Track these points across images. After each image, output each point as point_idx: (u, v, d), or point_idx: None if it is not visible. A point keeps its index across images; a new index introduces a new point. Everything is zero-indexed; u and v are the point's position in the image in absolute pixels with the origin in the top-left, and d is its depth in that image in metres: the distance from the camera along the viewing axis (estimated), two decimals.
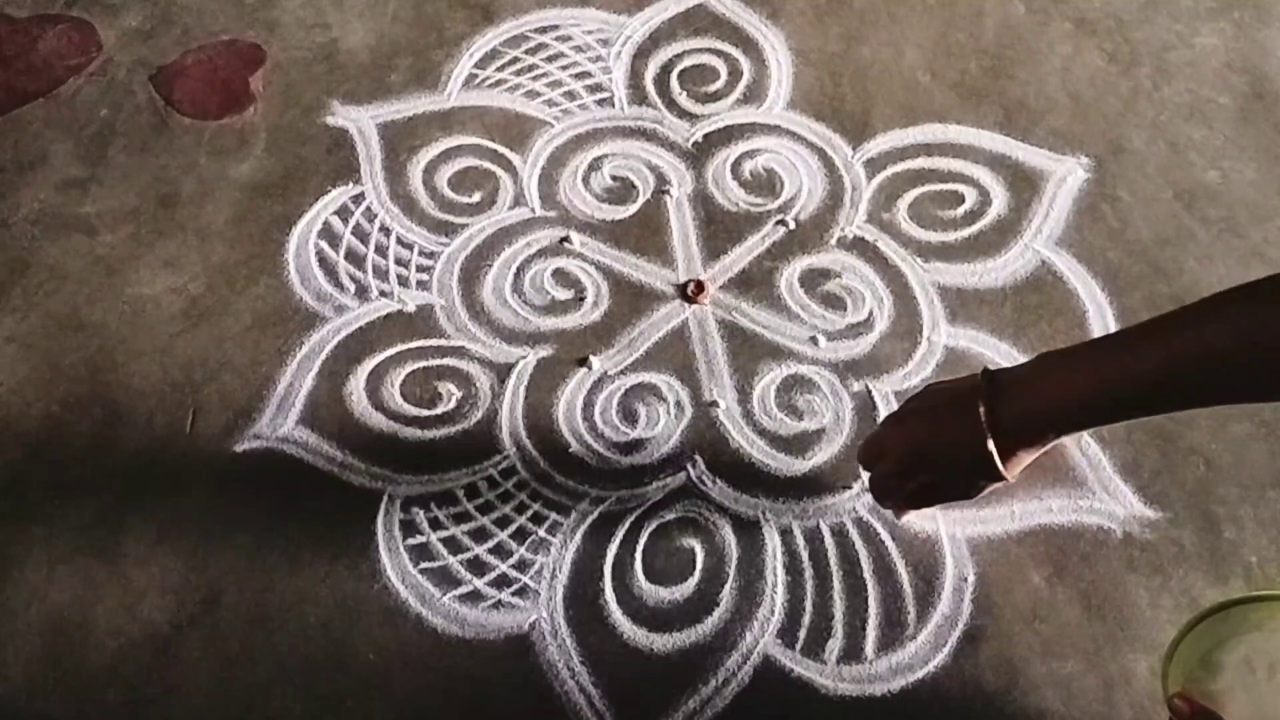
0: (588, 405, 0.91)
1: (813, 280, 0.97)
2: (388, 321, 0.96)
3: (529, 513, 0.85)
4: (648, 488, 0.86)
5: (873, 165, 1.05)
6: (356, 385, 0.92)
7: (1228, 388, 0.57)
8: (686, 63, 1.14)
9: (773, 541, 0.83)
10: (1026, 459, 0.67)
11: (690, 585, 0.81)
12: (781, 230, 1.01)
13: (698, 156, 1.06)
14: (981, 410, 0.64)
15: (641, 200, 1.03)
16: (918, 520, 0.82)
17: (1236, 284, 0.55)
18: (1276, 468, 0.85)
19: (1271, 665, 0.60)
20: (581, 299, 0.97)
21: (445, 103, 1.11)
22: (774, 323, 0.95)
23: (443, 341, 0.95)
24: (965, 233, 1.00)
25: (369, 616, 0.80)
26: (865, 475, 0.81)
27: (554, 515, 0.85)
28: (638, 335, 0.95)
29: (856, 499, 0.85)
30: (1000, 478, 0.67)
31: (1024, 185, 1.03)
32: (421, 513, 0.85)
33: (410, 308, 0.97)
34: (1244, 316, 0.54)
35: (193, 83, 1.14)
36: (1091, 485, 0.84)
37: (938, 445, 0.69)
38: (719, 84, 1.12)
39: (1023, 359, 0.91)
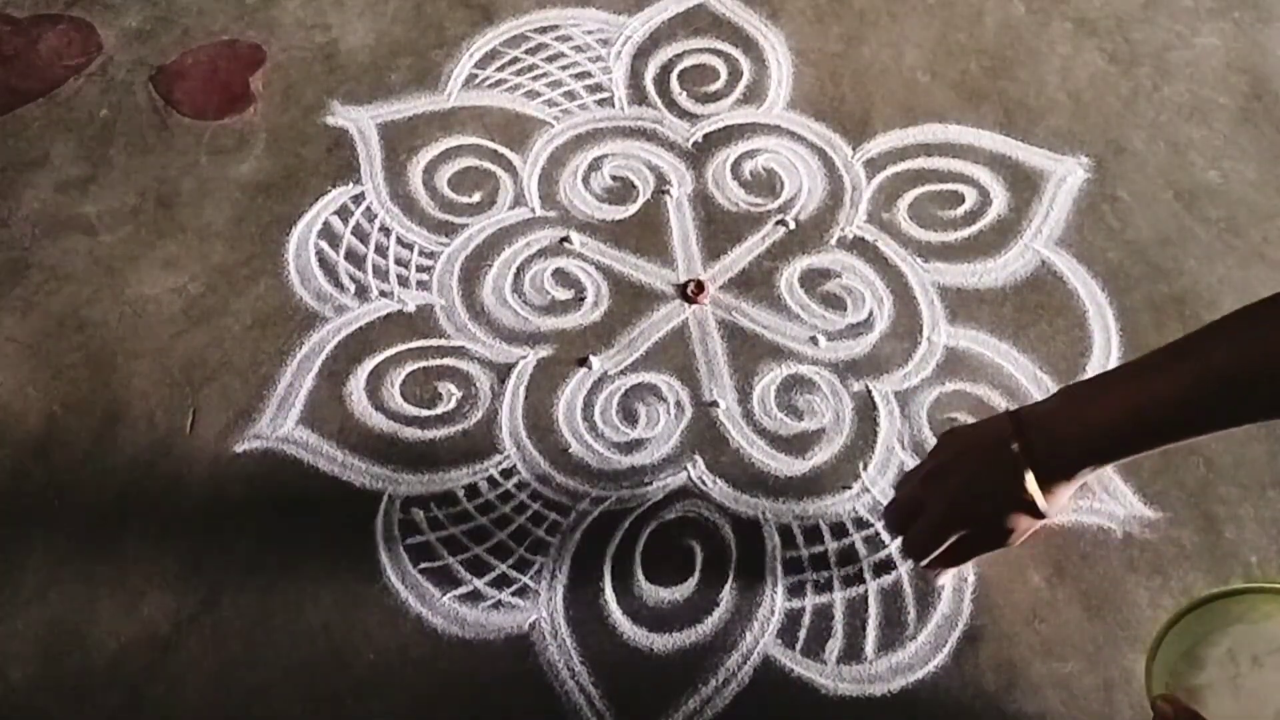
0: (588, 405, 0.90)
1: (813, 280, 0.97)
2: (388, 321, 0.96)
3: (529, 513, 0.85)
4: (648, 488, 0.86)
5: (873, 165, 1.05)
6: (356, 385, 0.92)
7: (1255, 405, 0.56)
8: (686, 63, 1.14)
9: (773, 541, 0.83)
10: (1064, 495, 0.65)
11: (690, 585, 0.81)
12: (781, 230, 1.01)
13: (698, 156, 1.06)
14: (1016, 448, 0.63)
15: (641, 200, 1.03)
16: (951, 579, 0.80)
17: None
18: (1276, 468, 0.85)
19: (1254, 658, 0.60)
20: (581, 299, 0.97)
21: (445, 103, 1.11)
22: (774, 323, 0.95)
23: (443, 341, 0.95)
24: (965, 233, 1.00)
25: (369, 616, 0.80)
26: (894, 542, 0.81)
27: (554, 515, 0.85)
28: (638, 335, 0.94)
29: (856, 499, 0.85)
30: (1041, 515, 0.65)
31: (1024, 185, 1.03)
32: (421, 513, 0.85)
33: (410, 308, 0.97)
34: (1267, 332, 0.53)
35: (193, 83, 1.14)
36: (1091, 485, 0.84)
37: (976, 493, 0.67)
38: (719, 84, 1.12)
39: (1023, 359, 0.91)
